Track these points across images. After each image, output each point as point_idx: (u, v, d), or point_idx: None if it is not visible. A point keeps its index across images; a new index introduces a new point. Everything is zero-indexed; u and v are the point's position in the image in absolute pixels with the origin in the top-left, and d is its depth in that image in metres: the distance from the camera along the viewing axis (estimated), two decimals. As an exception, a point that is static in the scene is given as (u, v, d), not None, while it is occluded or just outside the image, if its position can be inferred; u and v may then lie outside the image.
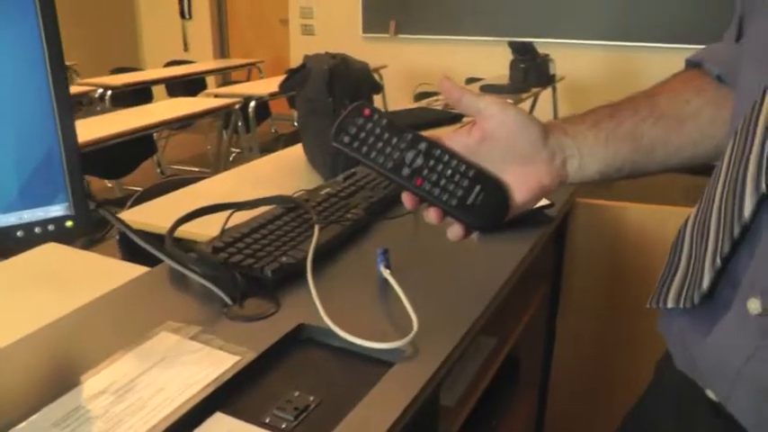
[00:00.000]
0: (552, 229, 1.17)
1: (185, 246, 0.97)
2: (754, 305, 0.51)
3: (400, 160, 0.65)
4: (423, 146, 0.66)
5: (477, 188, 0.65)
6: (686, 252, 0.63)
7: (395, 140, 0.66)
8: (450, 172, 0.65)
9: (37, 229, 0.64)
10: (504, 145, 0.66)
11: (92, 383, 0.69)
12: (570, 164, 0.68)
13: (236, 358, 0.72)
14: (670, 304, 0.61)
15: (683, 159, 0.71)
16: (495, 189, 0.66)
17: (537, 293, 1.37)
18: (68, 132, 0.64)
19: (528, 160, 0.67)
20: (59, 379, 0.70)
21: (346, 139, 0.66)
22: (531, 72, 3.94)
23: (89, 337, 0.80)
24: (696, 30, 4.91)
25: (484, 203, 0.66)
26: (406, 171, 0.65)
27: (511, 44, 4.03)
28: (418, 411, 0.68)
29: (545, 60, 4.06)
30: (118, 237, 1.72)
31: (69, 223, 0.65)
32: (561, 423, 1.59)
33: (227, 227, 1.05)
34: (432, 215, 0.67)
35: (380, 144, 0.66)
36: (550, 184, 0.68)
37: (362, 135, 0.66)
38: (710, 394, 0.59)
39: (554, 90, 4.93)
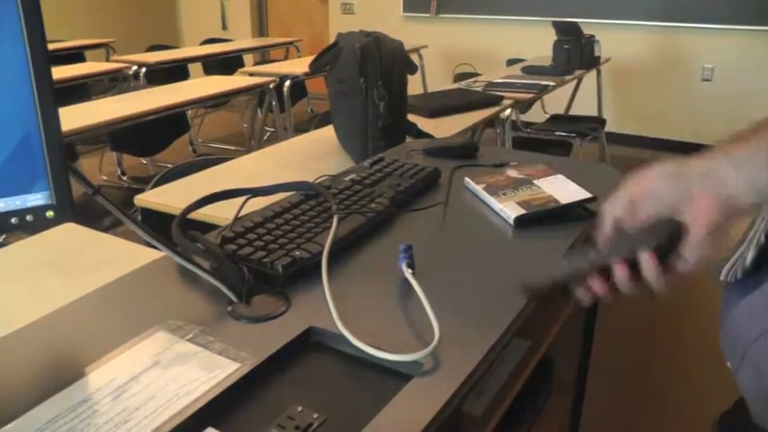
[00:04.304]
0: (594, 225, 1.07)
1: (203, 228, 0.91)
2: None
3: (584, 260, 0.73)
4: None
5: (650, 228, 0.69)
6: (754, 228, 0.66)
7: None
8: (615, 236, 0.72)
9: (13, 220, 0.57)
10: (649, 200, 0.69)
11: (77, 389, 0.62)
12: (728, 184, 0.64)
13: (236, 366, 0.65)
14: (721, 277, 0.65)
15: None
16: (660, 222, 0.68)
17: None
18: (49, 116, 0.57)
19: (676, 205, 0.67)
20: (44, 381, 0.64)
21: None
22: (574, 53, 3.80)
23: (81, 334, 0.74)
24: (747, 10, 4.69)
25: (649, 230, 0.68)
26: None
27: (554, 24, 3.89)
28: (437, 430, 0.60)
29: (590, 41, 3.91)
30: (140, 217, 1.67)
31: (50, 213, 0.58)
32: (596, 427, 1.50)
33: (241, 214, 0.98)
34: (618, 275, 0.68)
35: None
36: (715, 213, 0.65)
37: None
38: (729, 365, 0.62)
39: (598, 72, 4.75)
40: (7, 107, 0.55)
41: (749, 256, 0.60)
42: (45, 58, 0.56)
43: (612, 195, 0.72)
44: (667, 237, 0.66)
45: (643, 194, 0.69)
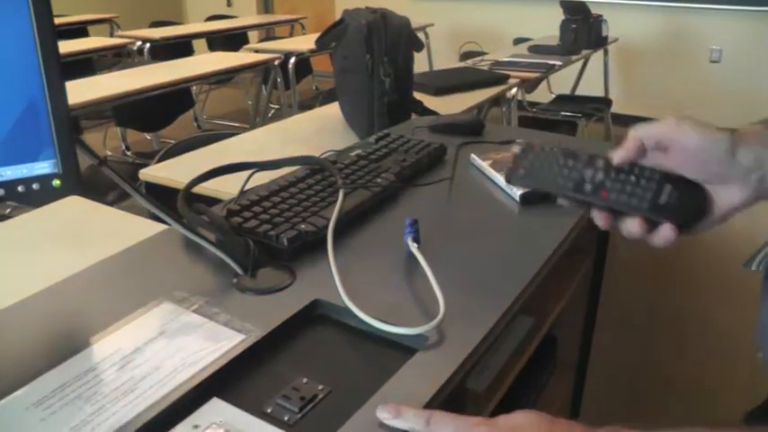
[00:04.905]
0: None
1: (208, 203, 0.91)
2: None
3: (580, 178, 0.64)
4: (601, 163, 0.64)
5: (668, 187, 0.62)
6: None
7: (571, 163, 0.65)
8: (634, 179, 0.63)
9: (20, 188, 0.57)
10: (684, 165, 0.62)
11: (82, 359, 0.62)
12: None
13: (241, 337, 0.65)
14: (753, 267, 0.63)
15: None
16: (686, 184, 0.62)
17: (579, 269, 1.28)
18: (55, 83, 0.56)
19: (715, 179, 0.61)
20: (50, 350, 0.64)
21: (521, 172, 0.67)
22: (581, 33, 3.76)
23: (87, 304, 0.74)
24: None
25: (679, 200, 0.62)
26: (588, 187, 0.64)
27: (562, 3, 3.85)
28: (441, 404, 0.60)
29: (597, 21, 3.88)
30: (144, 191, 1.67)
31: (56, 182, 0.58)
32: (598, 406, 1.50)
33: (246, 188, 0.98)
34: (631, 226, 0.62)
35: (557, 168, 0.66)
36: (742, 204, 0.60)
37: (536, 166, 0.67)
38: (760, 355, 0.60)
39: (606, 52, 4.72)
40: (13, 74, 0.55)
41: None
42: (50, 26, 0.56)
43: (648, 123, 0.64)
44: (694, 217, 0.62)
45: (678, 143, 0.61)
